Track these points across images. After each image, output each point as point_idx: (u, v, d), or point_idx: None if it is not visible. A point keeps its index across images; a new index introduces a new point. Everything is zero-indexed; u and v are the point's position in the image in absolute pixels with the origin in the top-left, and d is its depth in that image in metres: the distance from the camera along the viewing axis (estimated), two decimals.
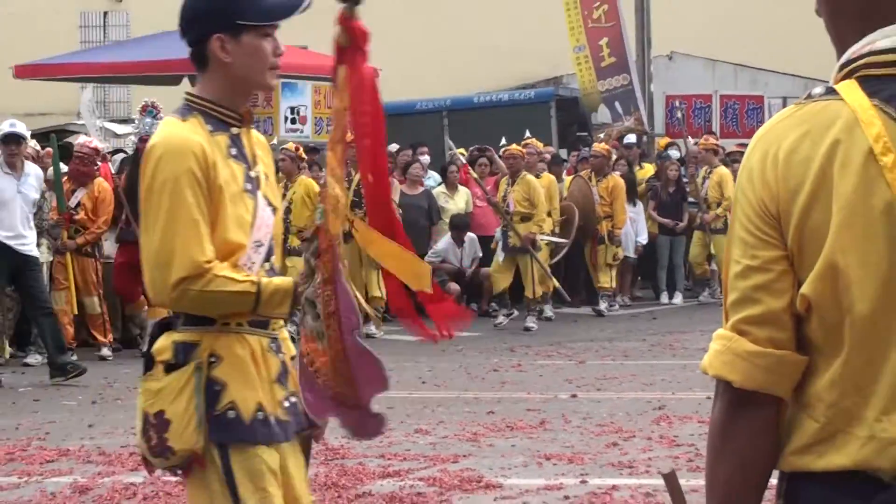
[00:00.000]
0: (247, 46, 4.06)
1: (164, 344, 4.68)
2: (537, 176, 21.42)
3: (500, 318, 21.16)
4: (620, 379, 16.14)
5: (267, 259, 4.72)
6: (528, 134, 22.34)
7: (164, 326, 4.75)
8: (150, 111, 19.15)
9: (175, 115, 4.21)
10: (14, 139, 16.57)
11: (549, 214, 21.10)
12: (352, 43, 4.36)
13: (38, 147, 19.99)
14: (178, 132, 4.33)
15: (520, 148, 21.08)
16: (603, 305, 22.34)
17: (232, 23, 4.03)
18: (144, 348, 17.52)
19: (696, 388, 14.98)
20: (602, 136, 25.88)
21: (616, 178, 22.38)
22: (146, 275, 4.63)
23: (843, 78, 2.36)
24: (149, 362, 4.46)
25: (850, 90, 2.35)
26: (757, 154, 2.46)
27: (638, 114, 26.63)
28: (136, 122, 19.41)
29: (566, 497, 9.90)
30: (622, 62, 26.95)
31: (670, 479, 3.09)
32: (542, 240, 20.86)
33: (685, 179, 24.32)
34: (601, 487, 10.25)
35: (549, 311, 21.75)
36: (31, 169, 16.65)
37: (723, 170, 23.53)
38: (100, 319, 18.15)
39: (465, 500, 10.13)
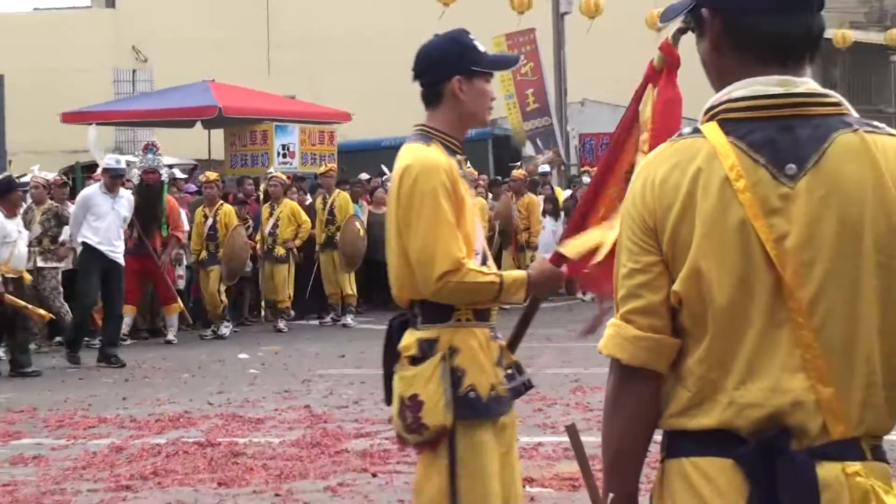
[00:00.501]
0: (477, 88, 4.17)
1: (409, 341, 4.91)
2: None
3: None
4: (544, 358, 16.47)
5: (483, 263, 4.86)
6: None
7: (402, 325, 4.97)
8: (151, 149, 19.54)
9: (418, 141, 4.45)
10: (117, 172, 17.51)
11: None
12: (667, 67, 4.56)
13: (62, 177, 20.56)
14: (427, 154, 4.61)
15: None
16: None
17: (468, 68, 4.12)
18: (169, 336, 18.55)
19: (605, 365, 16.97)
20: (522, 166, 26.52)
21: (531, 197, 23.56)
22: (416, 272, 4.76)
23: (707, 120, 2.57)
24: (394, 355, 4.70)
25: (712, 130, 2.59)
26: (639, 181, 2.71)
27: (556, 149, 27.82)
28: (140, 157, 19.42)
29: None
30: (544, 107, 28.32)
31: (572, 432, 3.62)
32: None
33: None
34: (529, 444, 10.61)
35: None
36: (125, 193, 17.35)
37: None
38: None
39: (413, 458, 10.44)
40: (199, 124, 26.36)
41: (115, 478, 9.44)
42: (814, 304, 2.45)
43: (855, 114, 2.54)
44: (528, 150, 28.57)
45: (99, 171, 19.15)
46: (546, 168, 26.55)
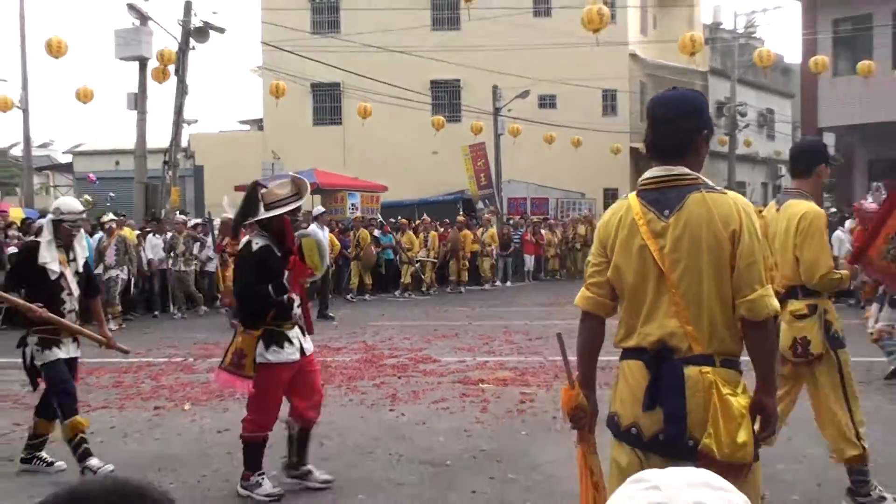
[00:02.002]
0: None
1: (799, 306, 4.98)
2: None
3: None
4: (495, 313, 17.59)
5: None
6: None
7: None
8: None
9: (800, 198, 4.44)
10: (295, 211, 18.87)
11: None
12: None
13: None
14: (813, 206, 4.91)
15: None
16: (487, 285, 23.50)
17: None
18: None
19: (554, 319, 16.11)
20: (482, 215, 26.45)
21: (492, 231, 24.26)
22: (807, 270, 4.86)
23: (635, 190, 3.24)
24: None
25: (632, 195, 3.23)
26: (602, 220, 3.34)
27: (495, 206, 28.31)
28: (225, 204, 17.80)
29: (467, 365, 10.48)
30: (489, 183, 29.76)
31: (559, 339, 3.51)
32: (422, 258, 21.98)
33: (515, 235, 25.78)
34: (484, 361, 11.17)
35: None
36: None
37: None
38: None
39: (424, 368, 10.41)
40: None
41: (201, 390, 9.33)
42: (679, 282, 3.04)
43: (708, 182, 3.13)
44: (480, 205, 29.30)
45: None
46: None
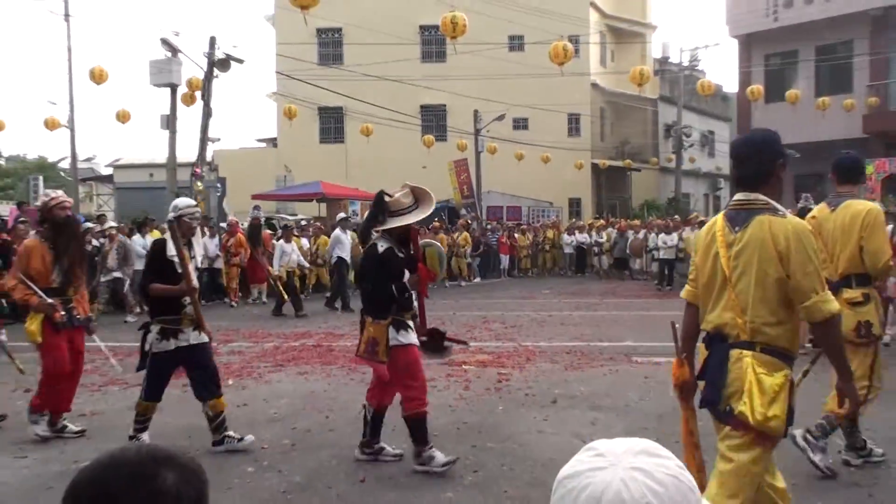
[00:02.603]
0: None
1: (855, 294, 4.92)
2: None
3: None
4: (475, 305, 17.55)
5: None
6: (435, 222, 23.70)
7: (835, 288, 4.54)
8: (257, 207, 18.41)
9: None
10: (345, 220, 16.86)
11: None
12: None
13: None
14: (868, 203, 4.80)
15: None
16: (462, 282, 23.05)
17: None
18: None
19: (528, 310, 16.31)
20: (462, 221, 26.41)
21: (465, 234, 23.90)
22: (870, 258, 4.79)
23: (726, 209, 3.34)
24: None
25: (722, 213, 3.39)
26: (700, 231, 3.64)
27: (476, 213, 29.05)
28: (251, 211, 18.02)
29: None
30: (471, 194, 29.88)
31: (672, 327, 3.61)
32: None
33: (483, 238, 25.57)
34: (470, 347, 10.63)
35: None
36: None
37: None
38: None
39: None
40: (314, 200, 27.39)
41: (276, 360, 9.73)
42: (736, 283, 3.23)
43: (777, 207, 3.24)
44: (463, 212, 29.40)
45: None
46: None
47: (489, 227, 27.78)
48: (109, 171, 45.66)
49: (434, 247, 5.76)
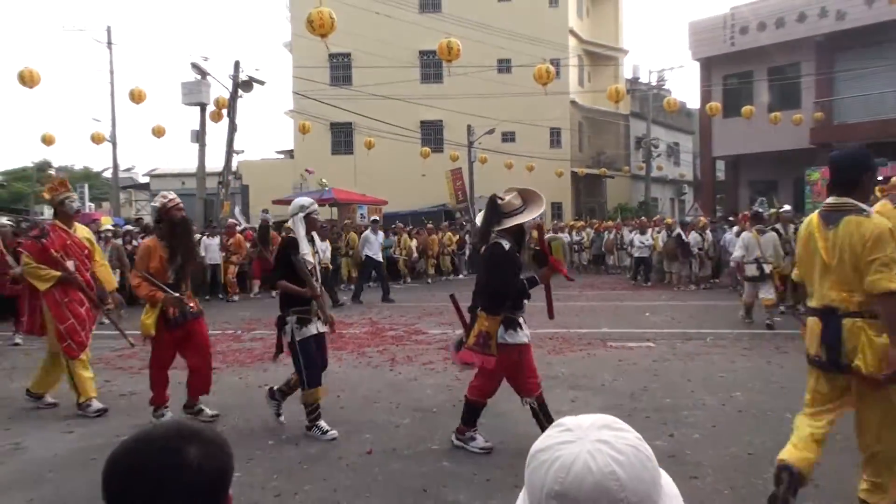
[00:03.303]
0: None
1: None
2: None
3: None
4: (470, 297, 17.02)
5: None
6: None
7: None
8: (265, 210, 19.04)
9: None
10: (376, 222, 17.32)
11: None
12: None
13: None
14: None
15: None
16: (451, 276, 23.01)
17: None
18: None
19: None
20: (459, 223, 26.67)
21: (450, 234, 23.14)
22: None
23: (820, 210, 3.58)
24: None
25: (816, 213, 3.71)
26: (801, 228, 3.83)
27: (469, 216, 27.45)
28: (261, 214, 18.46)
29: (449, 336, 11.05)
30: (465, 198, 29.60)
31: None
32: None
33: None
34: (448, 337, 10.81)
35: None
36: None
37: None
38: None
39: (416, 338, 10.37)
40: (327, 205, 26.18)
41: None
42: (835, 269, 3.50)
43: (864, 208, 3.46)
44: (457, 215, 29.48)
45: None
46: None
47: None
48: (146, 179, 46.03)
49: (559, 240, 5.59)
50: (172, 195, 6.22)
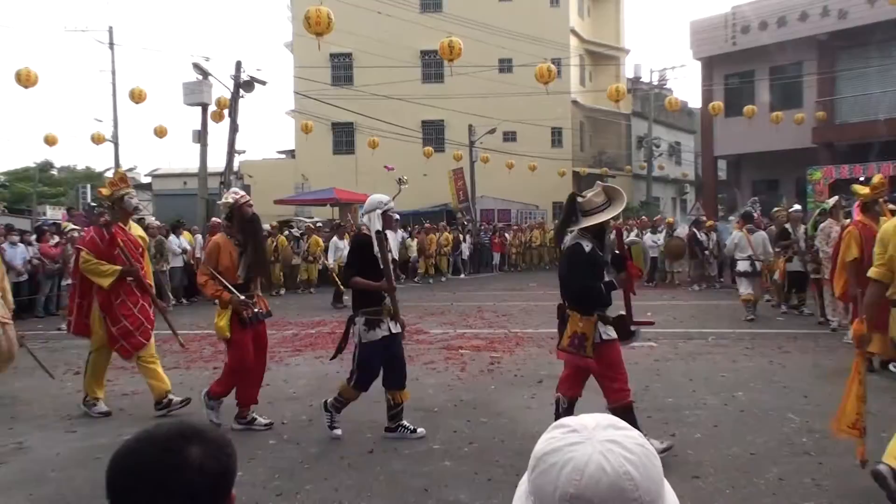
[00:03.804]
0: None
1: None
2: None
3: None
4: (470, 296, 17.56)
5: None
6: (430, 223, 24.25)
7: None
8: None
9: None
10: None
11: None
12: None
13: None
14: None
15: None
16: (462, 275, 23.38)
17: None
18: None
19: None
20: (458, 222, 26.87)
21: (447, 234, 22.90)
22: None
23: None
24: None
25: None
26: (883, 230, 4.17)
27: (470, 216, 28.49)
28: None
29: (450, 335, 10.58)
30: (466, 198, 29.56)
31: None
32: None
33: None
34: (465, 333, 11.19)
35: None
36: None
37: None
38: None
39: (418, 338, 10.60)
40: (328, 205, 27.68)
41: (295, 346, 9.81)
42: None
43: None
44: (459, 215, 29.03)
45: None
46: (469, 225, 26.62)
47: (482, 227, 27.58)
48: (148, 179, 46.06)
49: (638, 244, 5.36)
50: (242, 191, 5.97)
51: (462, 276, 23.47)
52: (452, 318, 12.62)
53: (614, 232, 5.29)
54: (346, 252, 14.72)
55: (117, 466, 1.13)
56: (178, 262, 15.79)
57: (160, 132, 24.97)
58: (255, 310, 5.89)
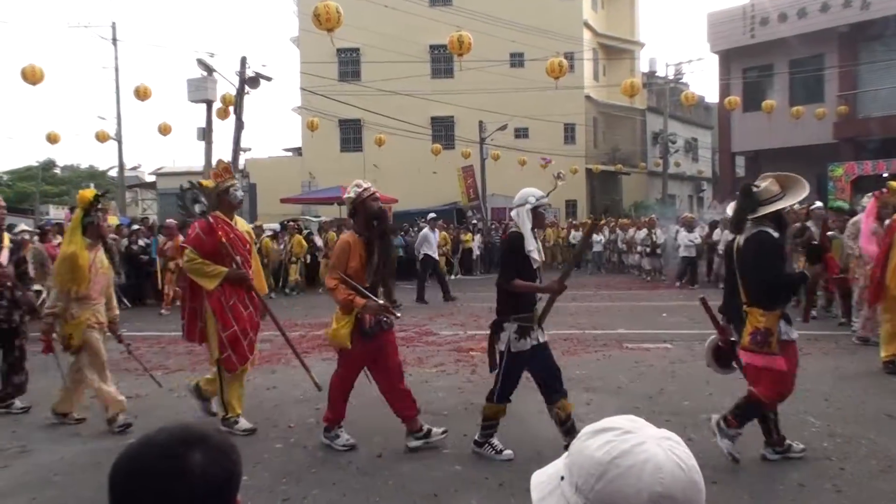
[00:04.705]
0: None
1: None
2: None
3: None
4: (481, 297, 16.73)
5: None
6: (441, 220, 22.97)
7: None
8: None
9: None
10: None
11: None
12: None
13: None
14: None
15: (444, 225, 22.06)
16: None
17: None
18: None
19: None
20: (470, 221, 27.11)
21: (444, 234, 21.13)
22: None
23: None
24: None
25: None
26: None
27: (481, 214, 28.95)
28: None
29: (460, 337, 10.62)
30: (476, 196, 29.83)
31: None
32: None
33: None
34: (476, 334, 11.13)
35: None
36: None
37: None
38: None
39: (427, 339, 10.46)
40: (335, 203, 26.07)
41: (302, 347, 9.11)
42: None
43: None
44: (469, 213, 29.45)
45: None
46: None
47: (493, 226, 27.53)
48: (153, 178, 46.02)
49: (839, 239, 5.22)
50: (368, 183, 5.39)
51: (477, 274, 23.55)
52: (462, 319, 12.56)
53: (814, 223, 5.27)
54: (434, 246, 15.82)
55: (118, 471, 1.14)
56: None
57: (164, 129, 25.13)
58: (384, 318, 5.28)
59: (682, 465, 1.00)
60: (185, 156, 68.50)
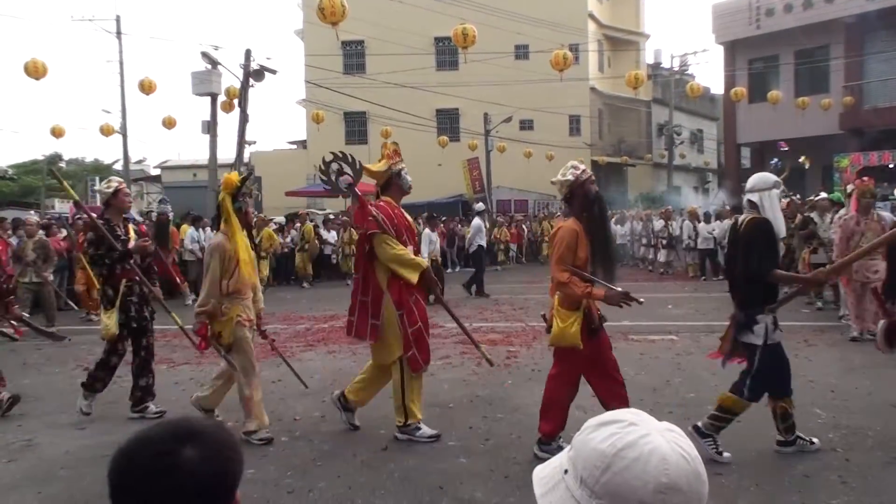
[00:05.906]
0: None
1: None
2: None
3: None
4: (486, 289, 15.95)
5: None
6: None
7: None
8: (164, 200, 18.66)
9: None
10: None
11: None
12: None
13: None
14: None
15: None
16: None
17: None
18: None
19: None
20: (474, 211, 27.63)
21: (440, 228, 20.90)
22: None
23: None
24: None
25: None
26: None
27: (487, 206, 25.93)
28: (158, 205, 18.83)
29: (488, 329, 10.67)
30: (482, 188, 29.78)
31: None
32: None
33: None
34: (480, 327, 11.39)
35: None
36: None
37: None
38: None
39: (432, 332, 10.30)
40: (340, 196, 29.64)
41: (307, 341, 9.78)
42: None
43: None
44: (476, 206, 26.23)
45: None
46: (481, 206, 25.56)
47: (498, 218, 27.36)
48: (158, 171, 46.20)
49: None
50: (583, 165, 4.91)
51: (498, 268, 23.43)
52: (468, 312, 12.50)
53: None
54: (437, 246, 15.07)
55: (113, 468, 1.14)
56: (191, 256, 15.85)
57: (169, 123, 25.16)
58: (636, 302, 4.69)
59: (687, 457, 1.01)
60: (190, 149, 69.16)
